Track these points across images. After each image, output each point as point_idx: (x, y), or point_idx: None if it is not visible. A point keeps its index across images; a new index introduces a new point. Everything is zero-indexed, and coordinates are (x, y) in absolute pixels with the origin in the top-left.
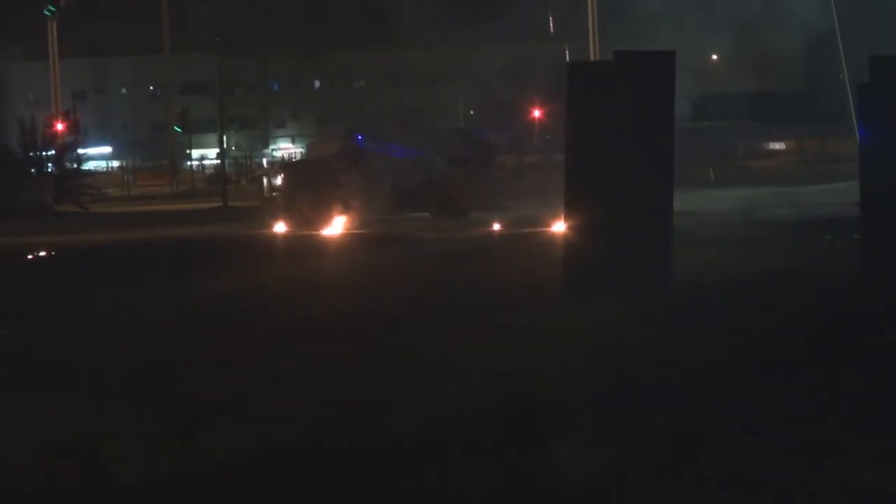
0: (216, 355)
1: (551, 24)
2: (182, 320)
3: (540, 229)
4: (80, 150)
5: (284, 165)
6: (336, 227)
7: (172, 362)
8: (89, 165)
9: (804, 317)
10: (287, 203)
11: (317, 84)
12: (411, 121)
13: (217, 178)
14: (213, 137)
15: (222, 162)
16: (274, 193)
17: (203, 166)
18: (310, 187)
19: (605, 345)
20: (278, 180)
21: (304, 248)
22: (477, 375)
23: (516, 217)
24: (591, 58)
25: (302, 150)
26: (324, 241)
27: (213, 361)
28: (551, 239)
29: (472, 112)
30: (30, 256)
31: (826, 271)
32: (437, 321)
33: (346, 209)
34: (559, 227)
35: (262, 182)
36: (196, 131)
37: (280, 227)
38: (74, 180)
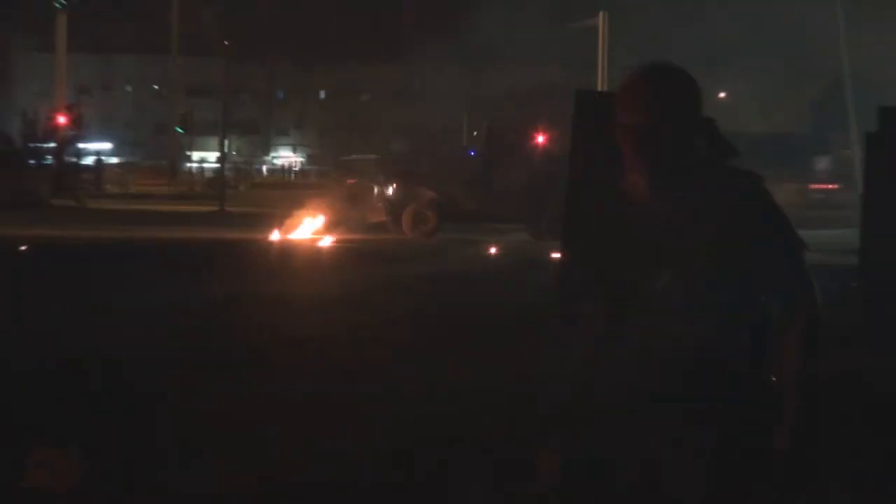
0: None
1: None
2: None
3: None
4: (80, 145)
5: (396, 173)
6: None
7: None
8: (94, 160)
9: None
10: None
11: (322, 95)
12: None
13: (216, 182)
14: (215, 141)
15: (222, 166)
16: (380, 204)
17: (203, 169)
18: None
19: None
20: (389, 190)
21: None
22: None
23: None
24: (599, 87)
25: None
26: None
27: None
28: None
29: (475, 133)
30: (23, 248)
31: None
32: None
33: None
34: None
35: (373, 192)
36: (198, 133)
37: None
38: (73, 174)
